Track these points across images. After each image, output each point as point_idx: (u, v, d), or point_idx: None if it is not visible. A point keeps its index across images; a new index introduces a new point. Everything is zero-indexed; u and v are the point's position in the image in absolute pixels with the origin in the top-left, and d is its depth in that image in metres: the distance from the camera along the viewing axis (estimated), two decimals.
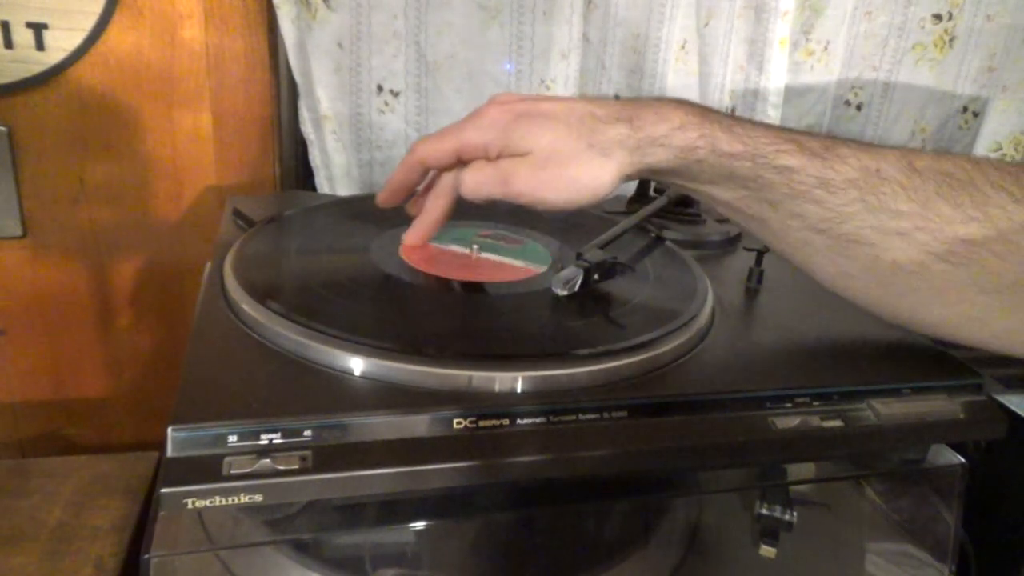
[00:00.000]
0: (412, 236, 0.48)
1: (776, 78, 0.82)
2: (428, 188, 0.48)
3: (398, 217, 0.58)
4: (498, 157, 0.42)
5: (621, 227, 0.55)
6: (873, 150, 0.41)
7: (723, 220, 0.68)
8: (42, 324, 0.74)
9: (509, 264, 0.51)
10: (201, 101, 0.71)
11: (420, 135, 0.78)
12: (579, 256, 0.48)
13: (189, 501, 0.30)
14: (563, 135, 0.41)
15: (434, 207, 0.46)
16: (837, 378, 0.42)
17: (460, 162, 0.44)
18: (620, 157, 0.41)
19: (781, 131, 0.42)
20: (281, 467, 0.32)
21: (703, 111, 0.42)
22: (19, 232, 0.70)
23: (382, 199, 0.49)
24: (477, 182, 0.42)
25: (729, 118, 0.42)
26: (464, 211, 0.60)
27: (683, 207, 0.67)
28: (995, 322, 0.41)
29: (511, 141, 0.41)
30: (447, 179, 0.45)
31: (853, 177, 0.40)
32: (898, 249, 0.40)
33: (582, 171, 0.41)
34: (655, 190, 0.70)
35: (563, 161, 0.41)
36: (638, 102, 0.43)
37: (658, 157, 0.41)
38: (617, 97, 0.83)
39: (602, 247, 0.50)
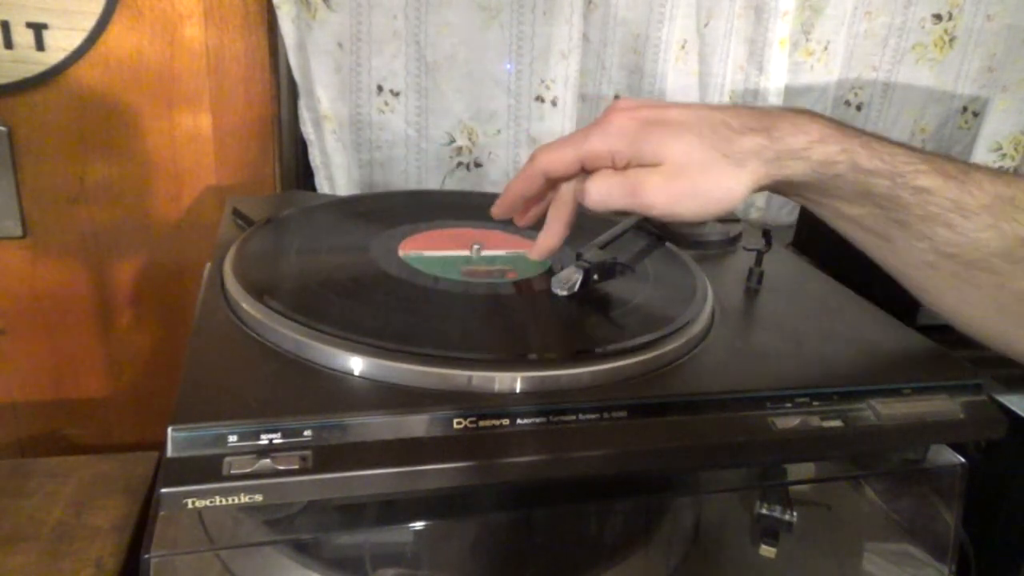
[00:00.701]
0: (537, 251, 0.46)
1: (776, 78, 0.82)
2: (537, 199, 0.47)
3: (398, 217, 0.58)
4: (625, 167, 0.41)
5: (621, 227, 0.55)
6: (1008, 177, 0.40)
7: (724, 220, 0.68)
8: (42, 324, 0.74)
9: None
10: (201, 101, 0.71)
11: (420, 135, 0.78)
12: (579, 256, 0.48)
13: (189, 501, 0.30)
14: (696, 145, 0.39)
15: (557, 219, 0.45)
16: (837, 378, 0.42)
17: (583, 171, 0.42)
18: (755, 168, 0.40)
19: (916, 151, 0.41)
20: (281, 467, 0.32)
21: (840, 125, 0.41)
22: (19, 232, 0.70)
23: (497, 211, 0.47)
24: (603, 192, 0.40)
25: (866, 134, 0.41)
26: (461, 212, 0.60)
27: None
28: None
29: (641, 150, 0.40)
30: (568, 189, 0.44)
31: (988, 203, 0.39)
32: None
33: (715, 182, 0.40)
34: None
35: (696, 172, 0.39)
36: (771, 113, 0.41)
37: (795, 170, 0.40)
38: (617, 97, 0.83)
39: (602, 247, 0.50)
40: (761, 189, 0.42)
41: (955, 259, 0.41)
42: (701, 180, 0.40)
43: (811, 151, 0.40)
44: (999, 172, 0.41)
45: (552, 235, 0.46)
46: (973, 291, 0.42)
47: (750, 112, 0.41)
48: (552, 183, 0.45)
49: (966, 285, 0.42)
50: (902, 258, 0.44)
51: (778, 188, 0.43)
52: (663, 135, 0.40)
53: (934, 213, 0.40)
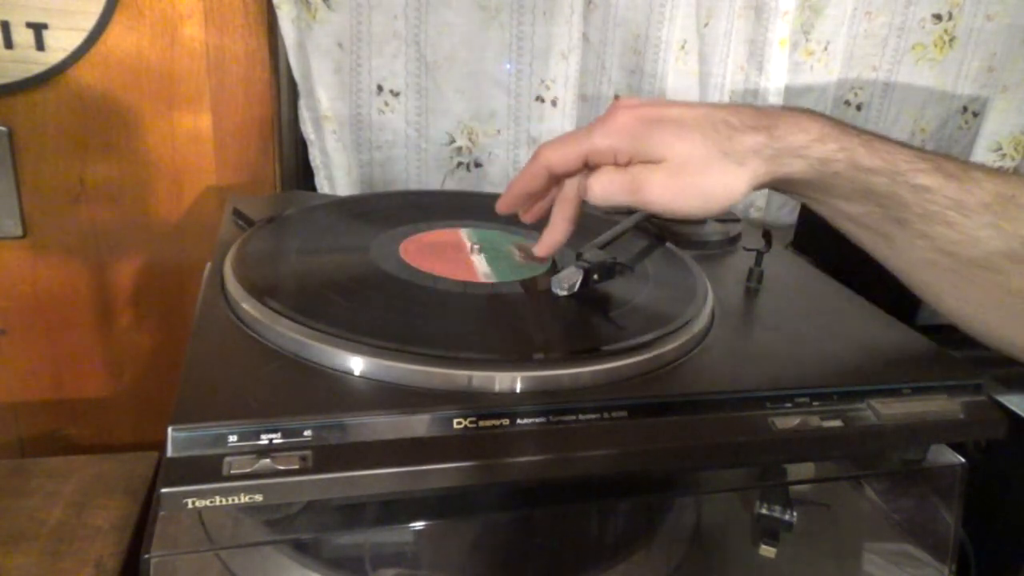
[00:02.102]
0: (543, 248, 0.47)
1: (776, 78, 0.82)
2: (541, 195, 0.47)
3: (398, 217, 0.58)
4: (628, 163, 0.41)
5: (621, 227, 0.55)
6: (1008, 176, 0.41)
7: (724, 220, 0.68)
8: (42, 324, 0.74)
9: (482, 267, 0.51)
10: (201, 101, 0.71)
11: (420, 135, 0.78)
12: (579, 256, 0.48)
13: (189, 501, 0.30)
14: (698, 143, 0.40)
15: (561, 215, 0.46)
16: (837, 378, 0.42)
17: (586, 168, 0.43)
18: (755, 166, 0.40)
19: (917, 150, 0.41)
20: (281, 467, 0.32)
21: (840, 123, 0.41)
22: (19, 232, 0.70)
23: (502, 206, 0.48)
24: (606, 189, 0.41)
25: (867, 132, 0.41)
26: (461, 213, 0.60)
27: None
28: None
29: (643, 147, 0.40)
30: (572, 185, 0.44)
31: (988, 201, 0.40)
32: None
33: (716, 180, 0.40)
34: None
35: (697, 169, 0.40)
36: (772, 111, 0.42)
37: (795, 168, 0.41)
38: (617, 98, 0.83)
39: (602, 247, 0.50)
40: (762, 187, 0.42)
41: (955, 257, 0.41)
42: (702, 177, 0.40)
43: (811, 149, 0.40)
44: (999, 171, 0.41)
45: (557, 231, 0.46)
46: (974, 289, 0.42)
47: (751, 111, 0.42)
48: (556, 179, 0.45)
49: (967, 283, 0.42)
50: (903, 256, 0.44)
51: (779, 186, 0.43)
52: (665, 133, 0.40)
53: (933, 211, 0.40)
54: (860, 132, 0.41)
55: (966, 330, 0.44)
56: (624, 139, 0.41)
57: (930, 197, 0.40)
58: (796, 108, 0.42)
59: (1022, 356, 0.43)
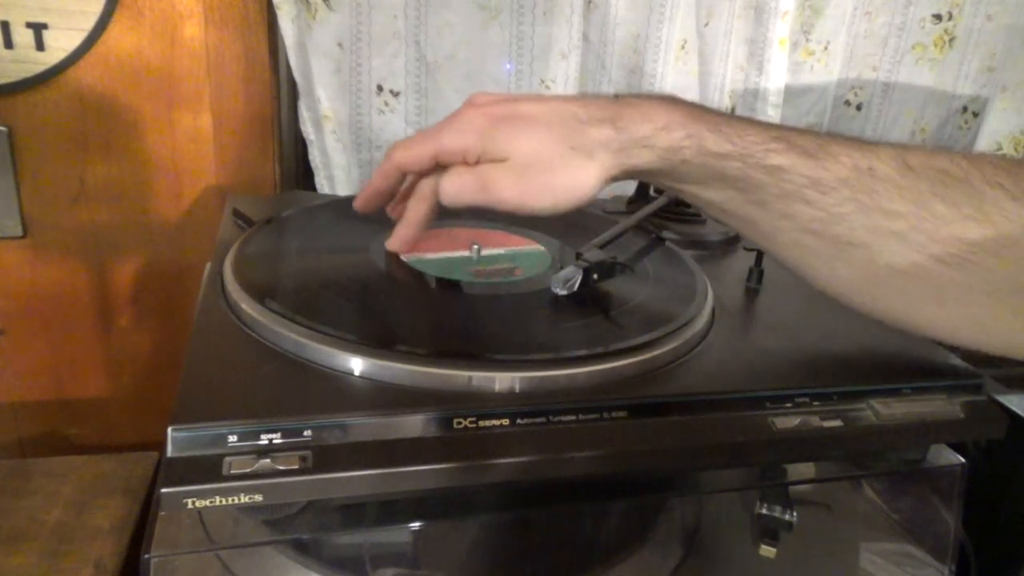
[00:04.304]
0: (394, 242, 0.47)
1: (776, 78, 0.82)
2: (408, 193, 0.47)
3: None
4: (477, 162, 0.40)
5: (621, 227, 0.55)
6: (866, 147, 0.40)
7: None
8: (42, 324, 0.74)
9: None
10: (201, 101, 0.71)
11: None
12: (579, 256, 0.48)
13: (189, 501, 0.31)
14: (544, 138, 0.39)
15: (414, 213, 0.45)
16: (837, 378, 0.42)
17: (439, 166, 0.42)
18: (603, 159, 0.40)
19: (771, 128, 0.40)
20: (281, 467, 0.32)
21: (690, 109, 0.41)
22: (19, 232, 0.70)
23: (359, 205, 0.47)
24: (456, 189, 0.40)
25: (718, 116, 0.41)
26: (460, 212, 0.60)
27: (683, 207, 0.67)
28: (994, 324, 0.40)
29: (490, 146, 0.40)
30: (426, 184, 0.44)
31: (845, 176, 0.39)
32: (893, 251, 0.39)
33: (565, 175, 0.40)
34: (655, 190, 0.70)
35: (545, 166, 0.39)
36: (623, 101, 0.41)
37: (643, 159, 0.40)
38: (617, 97, 0.84)
39: (602, 247, 0.50)
40: (614, 179, 0.41)
41: (820, 235, 0.40)
42: (550, 174, 0.40)
43: (656, 138, 0.40)
44: (859, 142, 0.40)
45: (409, 226, 0.45)
46: (843, 265, 0.41)
47: (600, 102, 0.41)
48: (414, 177, 0.45)
49: (835, 260, 0.41)
50: (771, 239, 0.43)
51: (633, 176, 0.42)
52: (511, 130, 0.40)
53: (790, 191, 0.40)
54: (712, 116, 0.40)
55: (846, 305, 0.44)
56: (472, 138, 0.40)
57: (786, 177, 0.39)
58: (653, 95, 0.42)
59: (903, 327, 0.43)
